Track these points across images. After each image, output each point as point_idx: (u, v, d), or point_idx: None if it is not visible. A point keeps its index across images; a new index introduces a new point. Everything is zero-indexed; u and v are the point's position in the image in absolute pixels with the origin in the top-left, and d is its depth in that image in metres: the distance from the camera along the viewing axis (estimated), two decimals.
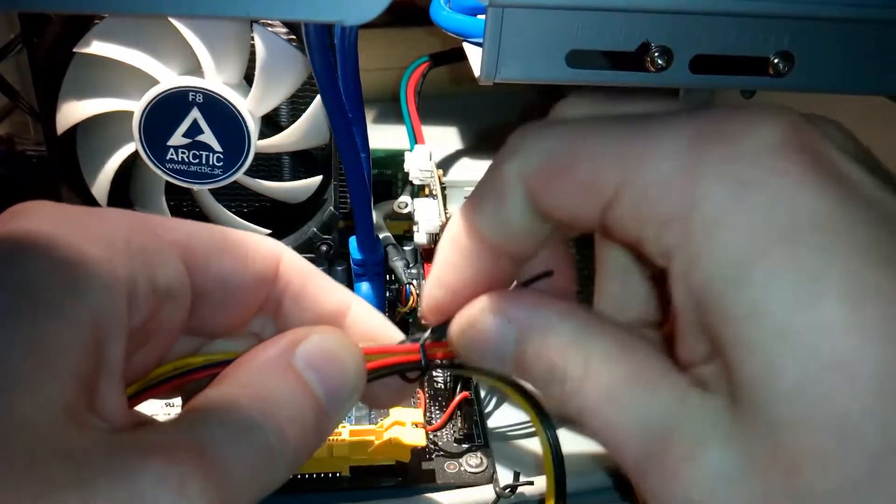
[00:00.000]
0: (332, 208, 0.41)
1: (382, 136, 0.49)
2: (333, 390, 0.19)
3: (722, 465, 0.15)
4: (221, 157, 0.38)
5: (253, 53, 0.38)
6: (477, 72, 0.25)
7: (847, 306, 0.14)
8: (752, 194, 0.15)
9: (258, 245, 0.22)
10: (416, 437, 0.33)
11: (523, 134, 0.20)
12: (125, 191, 0.43)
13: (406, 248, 0.46)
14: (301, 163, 0.44)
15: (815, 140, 0.16)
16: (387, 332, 0.24)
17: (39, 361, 0.15)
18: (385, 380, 0.22)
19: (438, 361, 0.22)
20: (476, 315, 0.20)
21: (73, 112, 0.39)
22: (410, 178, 0.44)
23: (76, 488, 0.14)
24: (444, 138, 0.66)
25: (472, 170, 0.63)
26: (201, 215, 0.42)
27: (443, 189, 0.43)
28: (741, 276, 0.14)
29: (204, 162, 0.38)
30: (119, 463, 0.15)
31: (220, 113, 0.38)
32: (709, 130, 0.16)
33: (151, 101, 0.37)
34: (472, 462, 0.35)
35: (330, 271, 0.49)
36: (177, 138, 0.38)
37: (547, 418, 0.22)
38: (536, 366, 0.19)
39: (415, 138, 0.48)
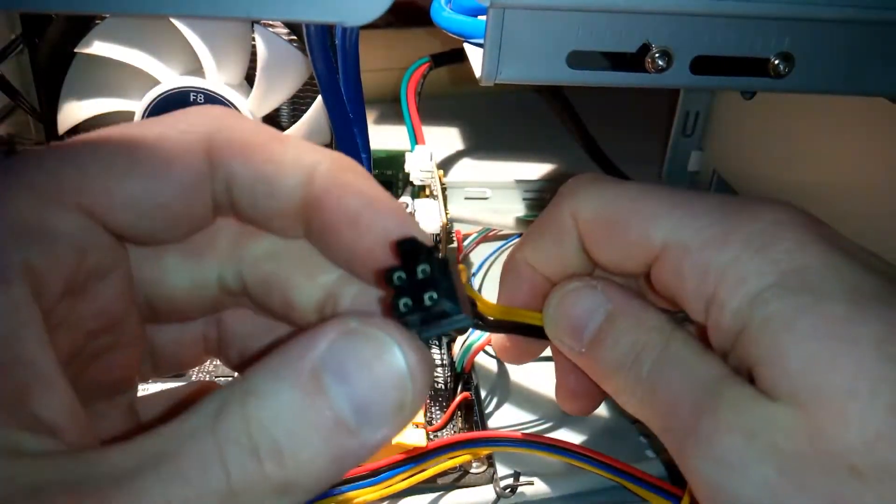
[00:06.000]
0: None
1: (383, 137, 0.49)
2: (363, 404, 0.15)
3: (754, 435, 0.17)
4: None
5: (254, 54, 0.38)
6: (478, 72, 0.25)
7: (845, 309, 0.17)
8: (771, 254, 0.18)
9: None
10: (417, 438, 0.33)
11: (580, 183, 0.23)
12: None
13: None
14: None
15: (815, 220, 0.20)
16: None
17: None
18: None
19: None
20: (575, 285, 0.23)
21: (74, 112, 0.39)
22: (411, 179, 0.44)
23: None
24: (444, 139, 0.66)
25: (473, 170, 0.63)
26: None
27: (443, 189, 0.43)
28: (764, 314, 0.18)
29: None
30: None
31: None
32: (734, 210, 0.20)
33: (153, 101, 0.37)
34: (473, 462, 0.35)
35: None
36: None
37: None
38: (622, 340, 0.21)
39: (415, 139, 0.48)
